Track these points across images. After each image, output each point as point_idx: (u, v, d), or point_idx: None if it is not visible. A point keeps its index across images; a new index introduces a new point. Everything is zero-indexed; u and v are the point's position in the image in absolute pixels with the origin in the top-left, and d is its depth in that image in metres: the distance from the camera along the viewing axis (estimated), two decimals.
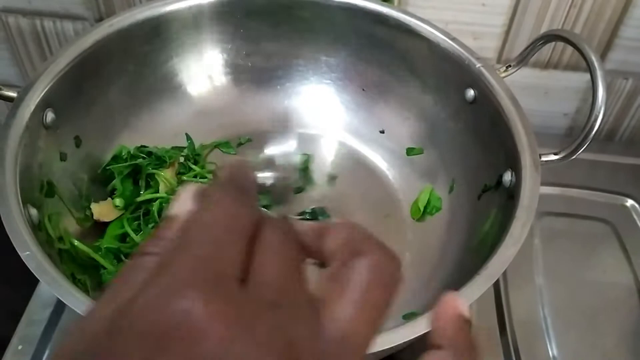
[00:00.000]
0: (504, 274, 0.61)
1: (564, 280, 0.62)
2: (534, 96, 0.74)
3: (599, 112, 0.48)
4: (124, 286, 0.19)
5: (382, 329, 0.20)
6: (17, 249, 0.40)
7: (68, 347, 0.18)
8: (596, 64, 0.48)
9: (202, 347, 0.16)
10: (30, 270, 0.40)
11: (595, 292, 0.61)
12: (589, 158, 0.72)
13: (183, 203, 0.22)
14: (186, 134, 0.63)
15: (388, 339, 0.38)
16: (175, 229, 0.20)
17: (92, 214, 0.55)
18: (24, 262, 0.40)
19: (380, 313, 0.20)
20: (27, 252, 0.40)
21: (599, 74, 0.48)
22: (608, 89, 0.72)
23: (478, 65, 0.56)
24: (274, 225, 0.21)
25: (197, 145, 0.63)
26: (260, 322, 0.17)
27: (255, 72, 0.66)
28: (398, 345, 0.38)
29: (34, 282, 0.57)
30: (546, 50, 0.69)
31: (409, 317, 0.48)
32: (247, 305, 0.17)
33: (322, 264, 0.22)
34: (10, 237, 0.41)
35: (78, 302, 0.38)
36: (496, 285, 0.61)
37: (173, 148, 0.61)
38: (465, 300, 0.23)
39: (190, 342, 0.16)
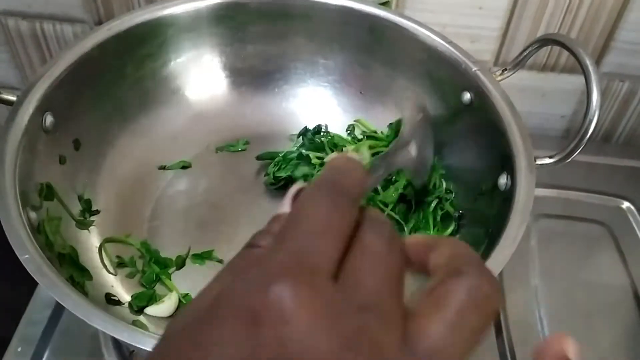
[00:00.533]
0: (500, 275, 0.62)
1: (560, 281, 0.62)
2: (531, 98, 0.75)
3: (594, 116, 0.48)
4: (231, 271, 0.21)
5: (472, 354, 0.19)
6: (16, 252, 0.41)
7: (176, 320, 0.20)
8: (590, 68, 0.48)
9: (288, 329, 0.17)
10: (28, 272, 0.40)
11: (591, 294, 0.61)
12: (585, 160, 0.72)
13: (289, 202, 0.24)
14: None
15: None
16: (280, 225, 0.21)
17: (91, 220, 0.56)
18: (21, 263, 0.40)
19: (473, 337, 0.19)
20: (26, 255, 0.40)
21: (593, 78, 0.48)
22: (604, 91, 0.73)
23: (474, 68, 0.56)
24: (377, 229, 0.21)
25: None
26: (346, 320, 0.18)
27: (253, 74, 0.66)
28: None
29: (34, 282, 0.58)
30: (543, 53, 0.70)
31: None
32: (337, 301, 0.18)
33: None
34: (9, 240, 0.41)
35: (76, 304, 0.39)
36: None
37: None
38: (575, 344, 0.22)
39: (278, 323, 0.17)
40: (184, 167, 0.63)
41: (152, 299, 0.52)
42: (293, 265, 0.19)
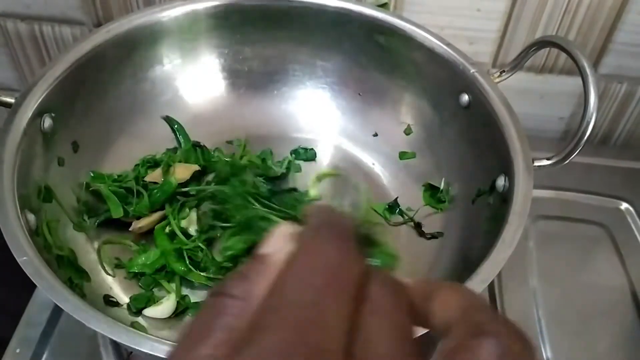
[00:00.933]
0: (499, 276, 0.62)
1: (559, 283, 0.62)
2: (529, 100, 0.75)
3: (591, 118, 0.48)
4: (207, 332, 0.17)
5: None
6: (14, 254, 0.41)
7: None
8: (588, 70, 0.48)
9: None
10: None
11: (590, 295, 0.62)
12: (583, 161, 0.72)
13: (276, 242, 0.19)
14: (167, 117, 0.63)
15: None
16: (267, 273, 0.18)
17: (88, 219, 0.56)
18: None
19: None
20: (24, 258, 0.40)
21: (590, 80, 0.48)
22: (602, 93, 0.73)
23: (472, 70, 0.56)
24: (383, 282, 0.18)
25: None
26: None
27: (252, 77, 0.66)
28: None
29: (33, 284, 0.58)
30: (541, 55, 0.70)
31: None
32: None
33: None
34: (7, 242, 0.41)
35: (74, 307, 0.39)
36: (490, 287, 0.61)
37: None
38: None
39: None
40: None
41: (151, 300, 0.52)
42: (296, 347, 0.15)
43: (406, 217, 0.60)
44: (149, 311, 0.51)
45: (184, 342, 0.17)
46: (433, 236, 0.58)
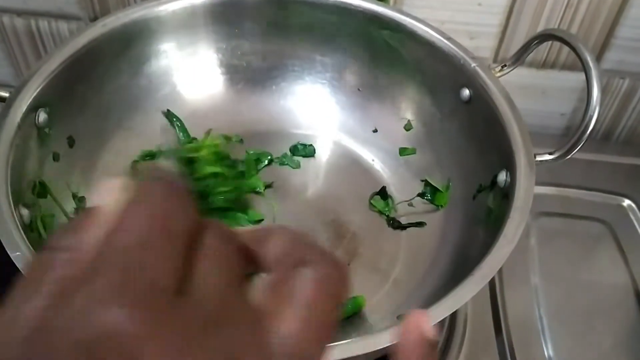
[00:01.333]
0: (500, 273, 0.61)
1: (560, 280, 0.62)
2: (531, 96, 0.74)
3: (594, 112, 0.48)
4: (38, 285, 0.16)
5: (330, 344, 0.18)
6: (7, 249, 0.40)
7: None
8: (591, 64, 0.47)
9: None
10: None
11: (592, 293, 0.61)
12: (585, 158, 0.72)
13: (107, 193, 0.19)
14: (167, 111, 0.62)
15: (382, 340, 0.37)
16: (98, 222, 0.18)
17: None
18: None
19: (327, 328, 0.18)
20: (17, 253, 0.40)
21: (593, 74, 0.47)
22: (605, 89, 0.72)
23: (473, 64, 0.56)
24: (214, 230, 0.19)
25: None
26: (200, 344, 0.16)
27: (250, 72, 0.66)
28: (391, 346, 0.38)
29: None
30: (543, 50, 0.69)
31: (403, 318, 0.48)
32: (185, 324, 0.16)
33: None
34: (0, 237, 0.41)
35: None
36: (492, 285, 0.60)
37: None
38: (430, 320, 0.23)
39: None
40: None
41: None
42: (128, 284, 0.15)
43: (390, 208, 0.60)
44: None
45: (14, 300, 0.17)
46: (413, 225, 0.58)
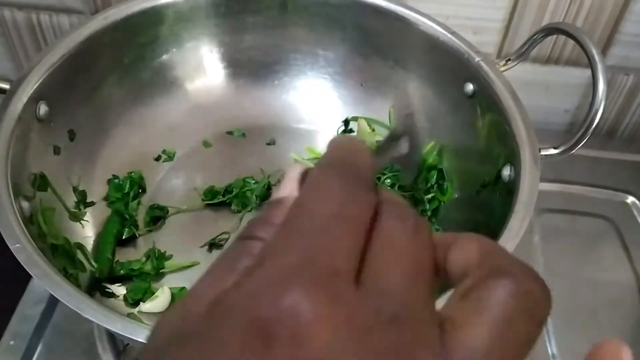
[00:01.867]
0: None
1: (564, 277, 0.61)
2: (534, 92, 0.73)
3: (599, 106, 0.47)
4: (228, 269, 0.17)
5: None
6: (7, 241, 0.40)
7: (166, 324, 0.17)
8: (597, 57, 0.47)
9: (305, 351, 0.14)
10: (21, 267, 0.39)
11: (596, 290, 0.60)
12: (589, 154, 0.71)
13: (290, 185, 0.20)
14: None
15: None
16: (283, 213, 0.18)
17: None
18: (15, 259, 0.39)
19: (520, 349, 0.16)
20: (17, 245, 0.39)
21: (599, 67, 0.47)
22: (609, 85, 0.72)
23: (477, 59, 0.55)
24: (400, 216, 0.18)
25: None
26: (377, 335, 0.15)
27: (253, 66, 0.65)
28: None
29: (25, 279, 0.57)
30: (547, 45, 0.69)
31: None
32: (363, 313, 0.15)
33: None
34: (0, 229, 0.40)
35: (69, 295, 0.38)
36: None
37: None
38: (629, 351, 0.19)
39: (292, 343, 0.14)
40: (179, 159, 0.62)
41: (147, 292, 0.51)
42: (307, 267, 0.15)
43: None
44: (145, 306, 0.50)
45: (207, 277, 0.18)
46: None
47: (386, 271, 0.17)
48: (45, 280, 0.38)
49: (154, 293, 0.51)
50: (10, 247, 0.39)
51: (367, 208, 0.18)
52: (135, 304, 0.50)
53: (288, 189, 0.20)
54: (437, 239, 0.19)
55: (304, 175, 0.20)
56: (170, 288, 0.52)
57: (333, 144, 0.21)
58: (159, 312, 0.50)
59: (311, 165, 0.20)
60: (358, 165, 0.19)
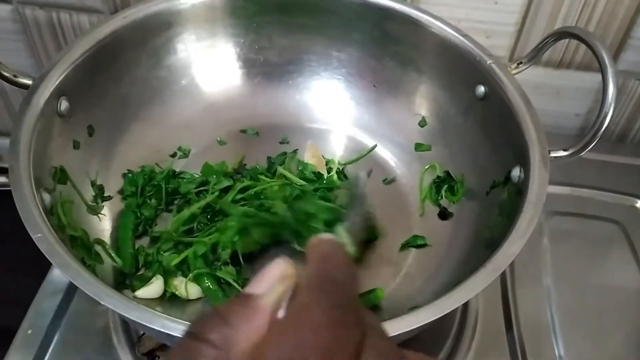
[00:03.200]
0: (512, 272, 0.61)
1: (572, 280, 0.62)
2: (545, 96, 0.74)
3: (609, 110, 0.48)
4: None
5: None
6: (29, 231, 0.41)
7: None
8: (607, 61, 0.48)
9: None
10: (38, 260, 0.40)
11: (603, 293, 0.61)
12: (600, 158, 0.72)
13: (266, 283, 0.18)
14: None
15: (394, 327, 0.38)
16: (251, 319, 0.17)
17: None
18: (32, 252, 0.40)
19: None
20: (39, 235, 0.41)
21: (609, 71, 0.47)
22: (620, 90, 0.72)
23: (489, 61, 0.56)
24: (380, 351, 0.18)
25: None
26: None
27: (267, 66, 0.66)
28: (403, 334, 0.38)
29: (42, 272, 0.58)
30: (558, 50, 0.69)
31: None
32: None
33: None
34: (22, 219, 0.42)
35: (88, 284, 0.39)
36: (503, 283, 0.61)
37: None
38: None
39: None
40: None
41: (142, 280, 0.52)
42: None
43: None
44: (139, 292, 0.51)
45: None
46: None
47: None
48: (65, 269, 0.40)
49: (146, 281, 0.52)
50: (33, 236, 0.40)
51: (353, 345, 0.17)
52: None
53: (263, 287, 0.19)
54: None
55: (284, 274, 0.19)
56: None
57: (315, 253, 0.19)
58: (153, 298, 0.51)
59: (293, 264, 0.19)
60: (344, 284, 0.18)
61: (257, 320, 0.17)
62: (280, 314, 0.18)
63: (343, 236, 0.38)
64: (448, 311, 0.40)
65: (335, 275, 0.18)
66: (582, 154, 0.50)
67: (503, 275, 0.61)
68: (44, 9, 0.72)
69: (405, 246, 0.57)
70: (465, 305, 0.58)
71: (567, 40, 0.63)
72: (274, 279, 0.19)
